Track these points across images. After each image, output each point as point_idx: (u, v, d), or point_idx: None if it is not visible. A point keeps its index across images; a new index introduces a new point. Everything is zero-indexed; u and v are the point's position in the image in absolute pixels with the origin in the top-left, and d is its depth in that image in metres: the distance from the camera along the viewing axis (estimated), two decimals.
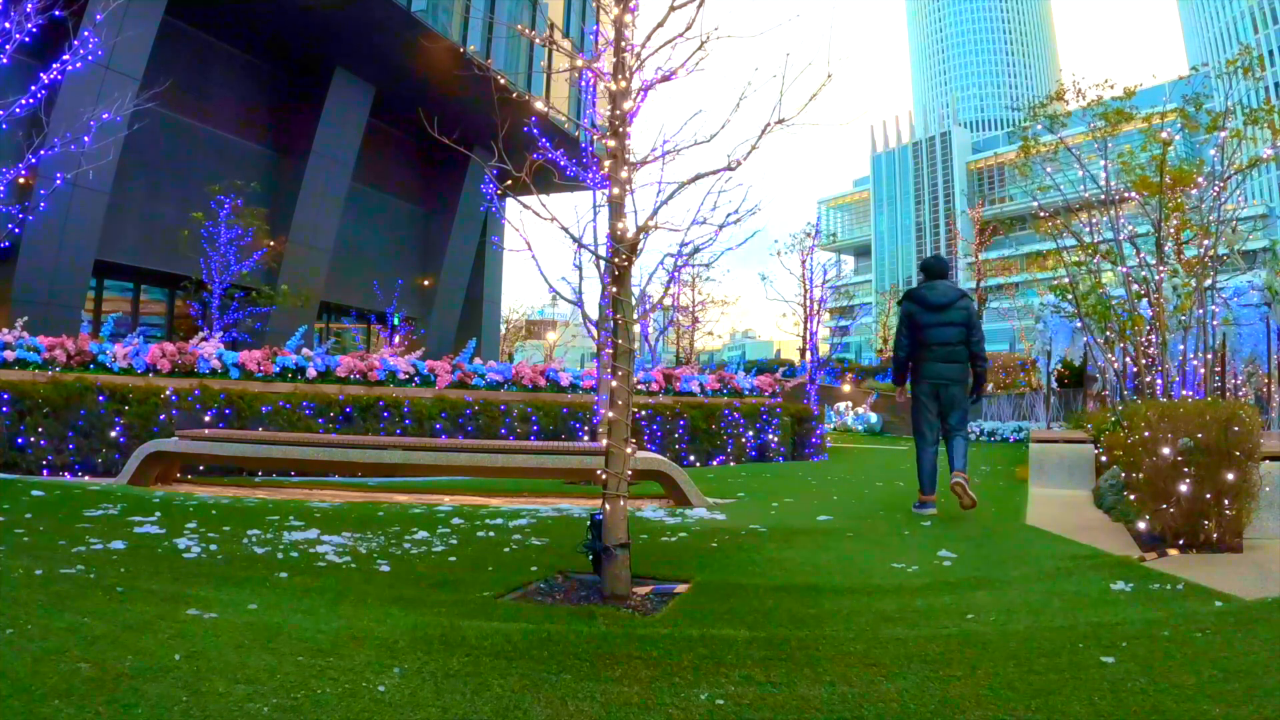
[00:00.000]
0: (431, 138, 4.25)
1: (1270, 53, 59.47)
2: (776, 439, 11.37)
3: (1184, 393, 7.44)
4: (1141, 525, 4.21)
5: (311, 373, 8.78)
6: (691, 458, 10.29)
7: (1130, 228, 8.95)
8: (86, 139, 7.54)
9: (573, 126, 18.28)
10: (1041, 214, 9.78)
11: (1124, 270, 8.42)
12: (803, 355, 18.97)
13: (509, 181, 3.89)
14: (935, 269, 5.96)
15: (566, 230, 3.86)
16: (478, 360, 10.69)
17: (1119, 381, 9.26)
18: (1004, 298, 37.61)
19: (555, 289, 9.22)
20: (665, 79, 3.26)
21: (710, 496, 6.34)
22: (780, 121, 3.21)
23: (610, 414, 3.15)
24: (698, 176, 3.34)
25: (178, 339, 15.71)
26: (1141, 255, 8.26)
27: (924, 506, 5.73)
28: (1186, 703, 2.03)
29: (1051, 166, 10.22)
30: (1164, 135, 8.10)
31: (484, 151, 6.90)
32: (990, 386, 24.22)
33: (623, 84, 3.21)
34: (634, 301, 3.67)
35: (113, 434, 7.44)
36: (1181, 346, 7.73)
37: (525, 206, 8.06)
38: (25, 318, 9.60)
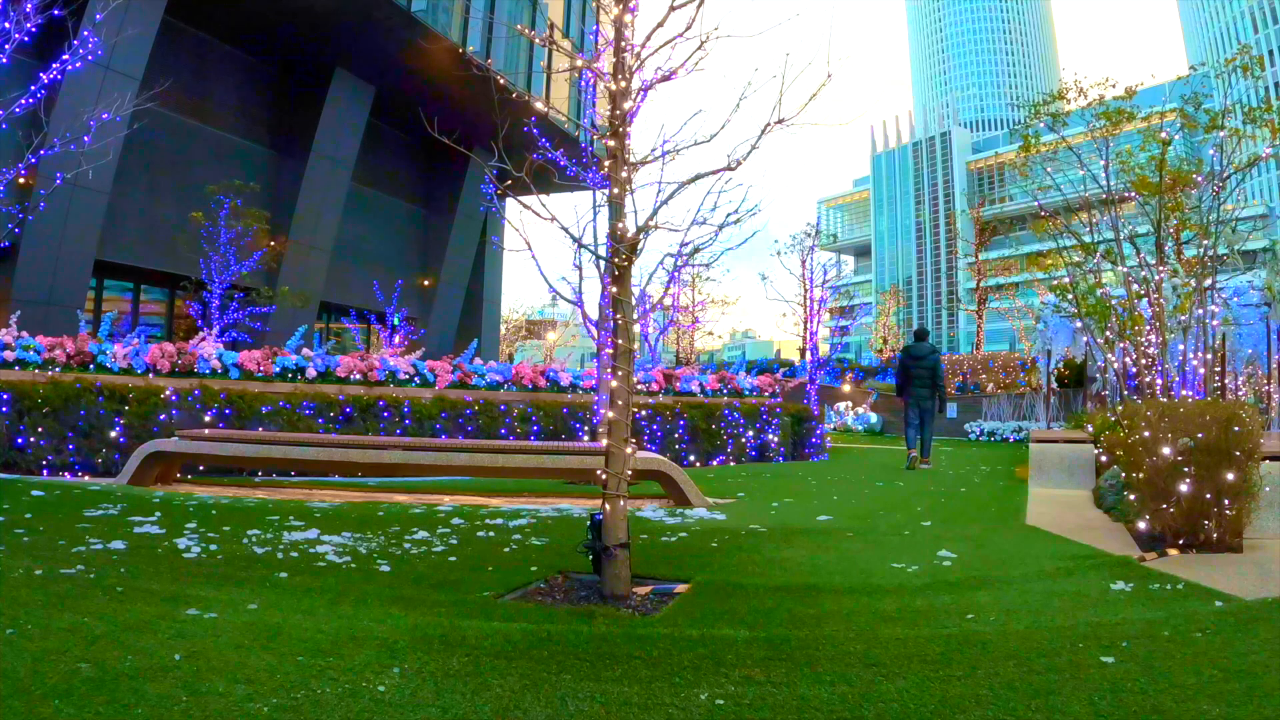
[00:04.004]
0: (431, 138, 4.25)
1: (1270, 52, 59.44)
2: (776, 439, 11.37)
3: (1184, 393, 7.44)
4: (1141, 525, 4.21)
5: (311, 373, 8.77)
6: (691, 458, 10.29)
7: (1130, 227, 8.95)
8: (86, 139, 7.54)
9: (573, 126, 18.28)
10: (1042, 214, 9.78)
11: (1124, 270, 8.42)
12: (803, 355, 18.96)
13: (509, 181, 3.89)
14: (920, 334, 10.61)
15: (566, 230, 3.86)
16: (478, 360, 10.69)
17: (1119, 381, 9.26)
18: (1005, 298, 37.57)
19: (555, 289, 9.22)
20: (665, 79, 3.26)
21: (710, 496, 6.34)
22: (780, 121, 3.21)
23: (610, 414, 3.15)
24: (698, 176, 3.34)
25: (178, 339, 15.72)
26: (1141, 255, 8.26)
27: (909, 460, 9.83)
28: (1186, 703, 2.03)
29: (1052, 166, 10.21)
30: (1163, 135, 8.10)
31: (484, 151, 6.91)
32: (990, 386, 24.24)
33: (623, 84, 3.21)
34: (634, 301, 3.68)
35: (113, 434, 7.44)
36: (1181, 346, 7.73)
37: (525, 206, 8.05)
38: (19, 312, 9.57)
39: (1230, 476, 3.81)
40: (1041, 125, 9.46)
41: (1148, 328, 7.96)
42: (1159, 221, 7.97)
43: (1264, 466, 4.06)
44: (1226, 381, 10.50)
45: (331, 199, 20.43)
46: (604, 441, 3.16)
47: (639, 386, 10.77)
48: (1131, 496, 4.55)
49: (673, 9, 3.18)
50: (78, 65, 7.43)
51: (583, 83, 12.47)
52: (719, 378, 12.32)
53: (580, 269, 9.03)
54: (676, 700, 2.06)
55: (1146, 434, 4.12)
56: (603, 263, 4.32)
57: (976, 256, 41.73)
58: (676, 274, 10.59)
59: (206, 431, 6.74)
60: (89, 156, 8.12)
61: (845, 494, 7.11)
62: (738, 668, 2.30)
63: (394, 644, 2.41)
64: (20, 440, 7.20)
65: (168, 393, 7.70)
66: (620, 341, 3.19)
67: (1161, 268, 7.81)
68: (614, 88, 3.20)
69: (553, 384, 10.41)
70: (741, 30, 3.36)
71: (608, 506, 3.08)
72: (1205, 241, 7.80)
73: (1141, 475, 4.20)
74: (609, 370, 3.27)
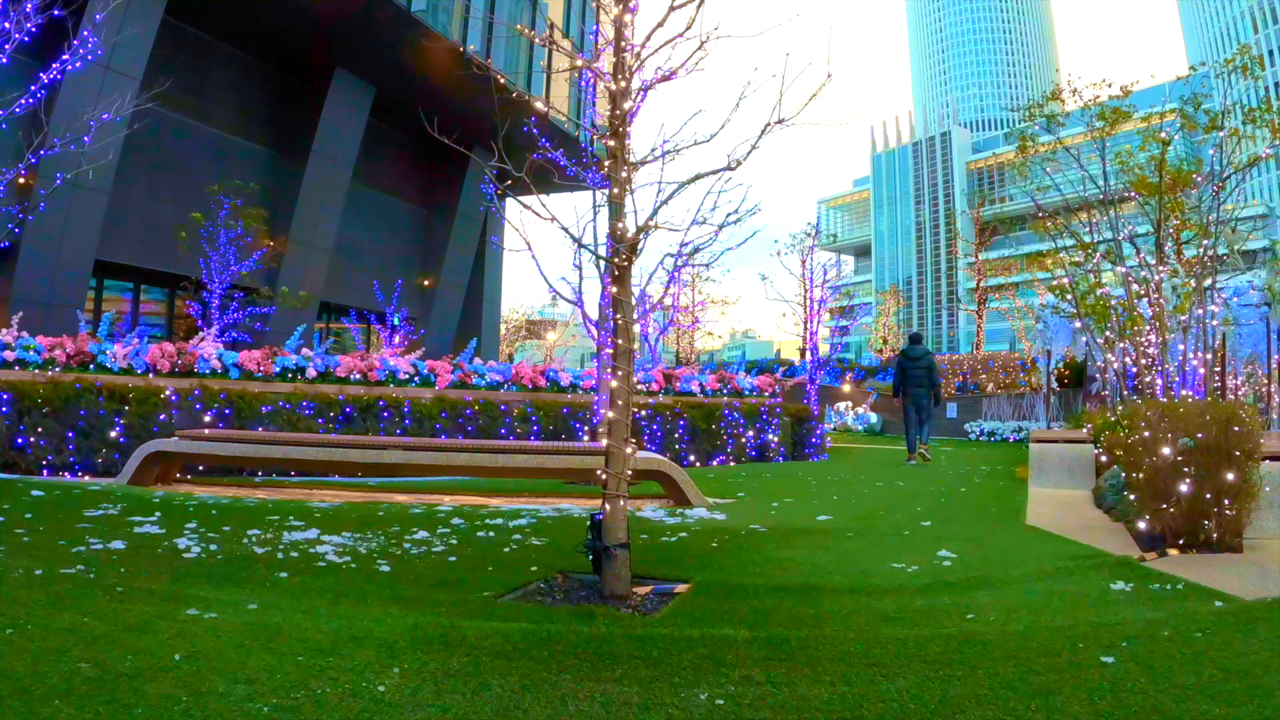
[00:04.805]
0: (431, 138, 4.25)
1: (1270, 52, 59.43)
2: (776, 439, 11.37)
3: (1184, 393, 7.44)
4: (1141, 525, 4.21)
5: (311, 373, 8.77)
6: (691, 458, 10.29)
7: (1130, 227, 8.95)
8: (86, 139, 7.53)
9: (573, 126, 18.27)
10: (1041, 214, 9.79)
11: (1124, 270, 8.42)
12: (803, 355, 18.97)
13: (509, 181, 3.89)
14: (915, 339, 11.63)
15: (566, 230, 3.85)
16: (478, 360, 10.69)
17: (1119, 381, 9.26)
18: (1005, 298, 37.56)
19: (555, 289, 9.22)
20: (665, 79, 3.25)
21: (710, 496, 6.33)
22: (780, 121, 3.21)
23: (610, 414, 3.15)
24: (698, 176, 3.34)
25: (178, 339, 15.70)
26: (1141, 255, 8.26)
27: (910, 461, 10.77)
28: (1186, 703, 2.03)
29: (1050, 167, 10.22)
30: (1163, 135, 8.10)
31: (484, 151, 6.91)
32: (990, 386, 24.26)
33: (623, 84, 3.20)
34: (634, 301, 3.68)
35: (113, 434, 7.44)
36: (1181, 346, 7.73)
37: (525, 206, 8.05)
38: (20, 314, 9.57)
39: (1230, 476, 3.81)
40: (1036, 127, 9.46)
41: (1148, 328, 7.96)
42: (1159, 221, 7.97)
43: (1264, 466, 4.06)
44: (1226, 381, 10.50)
45: (331, 199, 20.42)
46: (604, 441, 3.16)
47: (639, 386, 10.77)
48: (1131, 496, 4.55)
49: (673, 9, 3.18)
50: (78, 65, 7.42)
51: (583, 83, 12.47)
52: (719, 378, 12.32)
53: (580, 269, 9.03)
54: (676, 700, 2.06)
55: (1146, 434, 4.12)
56: (603, 263, 4.32)
57: (976, 256, 41.72)
58: (676, 274, 10.58)
59: (206, 431, 6.74)
60: (89, 156, 8.11)
61: (845, 494, 7.11)
62: (738, 668, 2.30)
63: (394, 644, 2.41)
64: (20, 440, 7.20)
65: (168, 393, 7.69)
66: (620, 341, 3.19)
67: (1161, 268, 7.81)
68: (614, 88, 3.20)
69: (553, 384, 10.41)
70: (741, 30, 3.36)
71: (608, 506, 3.08)
72: (1205, 241, 7.80)
73: (1141, 475, 4.20)
74: (609, 370, 3.27)
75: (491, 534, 4.42)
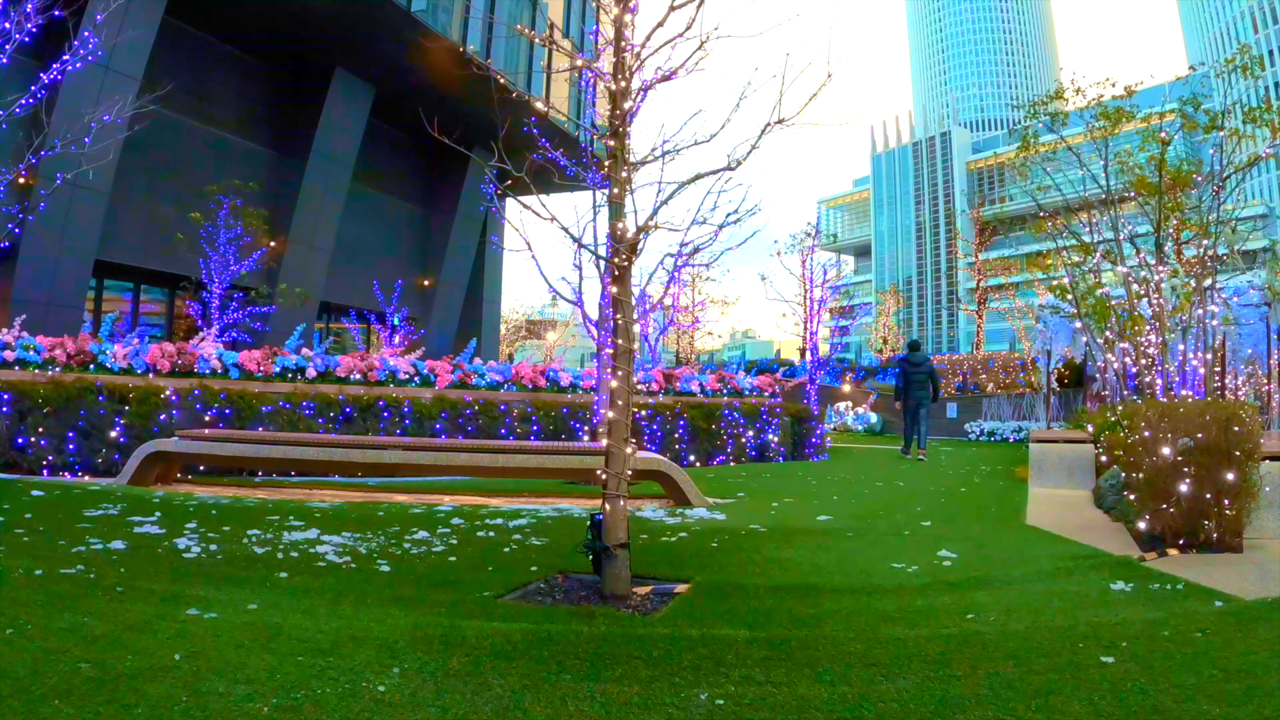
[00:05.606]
0: (431, 138, 4.25)
1: (1270, 52, 59.41)
2: (776, 439, 11.36)
3: (1184, 393, 7.43)
4: (1141, 525, 4.21)
5: (311, 373, 8.77)
6: (691, 458, 10.28)
7: (1130, 227, 8.96)
8: (87, 139, 7.53)
9: (573, 126, 18.27)
10: (1041, 214, 9.79)
11: (1124, 270, 8.42)
12: (803, 355, 18.96)
13: (509, 181, 3.89)
14: (914, 346, 12.39)
15: (566, 230, 3.85)
16: (477, 360, 10.68)
17: (1119, 381, 9.26)
18: (1005, 298, 37.56)
19: (555, 289, 9.21)
20: (665, 79, 3.26)
21: (710, 496, 6.33)
22: (780, 121, 3.21)
23: (610, 414, 3.15)
24: (698, 176, 3.34)
25: (178, 339, 15.70)
26: (1141, 255, 8.26)
27: (905, 453, 11.82)
28: (1186, 703, 2.03)
29: (1051, 166, 10.22)
30: (1163, 135, 8.11)
31: (484, 151, 6.91)
32: (990, 386, 24.27)
33: (623, 84, 3.21)
34: (634, 301, 3.68)
35: (113, 434, 7.44)
36: (1181, 346, 7.73)
37: (525, 206, 8.05)
38: (24, 316, 9.59)
39: (1230, 476, 3.81)
40: (1040, 125, 9.46)
41: (1148, 328, 7.96)
42: (1159, 221, 7.97)
43: (1264, 466, 4.06)
44: (1226, 381, 10.50)
45: (331, 199, 20.42)
46: (604, 441, 3.16)
47: (639, 386, 10.77)
48: (1131, 496, 4.55)
49: (673, 9, 3.18)
50: (78, 66, 7.42)
51: (583, 83, 12.48)
52: (719, 378, 12.31)
53: (580, 269, 9.02)
54: (676, 700, 2.06)
55: (1146, 434, 4.12)
56: (603, 263, 4.32)
57: (976, 256, 41.71)
58: (676, 274, 10.58)
59: (206, 431, 6.74)
60: (89, 157, 8.11)
61: (845, 494, 7.11)
62: (738, 668, 2.30)
63: (394, 644, 2.41)
64: (21, 440, 7.20)
65: (168, 393, 7.69)
66: (620, 341, 3.19)
67: (1161, 268, 7.81)
68: (614, 88, 3.20)
69: (553, 384, 10.41)
70: (741, 30, 3.36)
71: (608, 506, 3.08)
72: (1205, 241, 7.80)
73: (1141, 475, 4.20)
74: (609, 370, 3.27)
75: (491, 534, 4.42)
